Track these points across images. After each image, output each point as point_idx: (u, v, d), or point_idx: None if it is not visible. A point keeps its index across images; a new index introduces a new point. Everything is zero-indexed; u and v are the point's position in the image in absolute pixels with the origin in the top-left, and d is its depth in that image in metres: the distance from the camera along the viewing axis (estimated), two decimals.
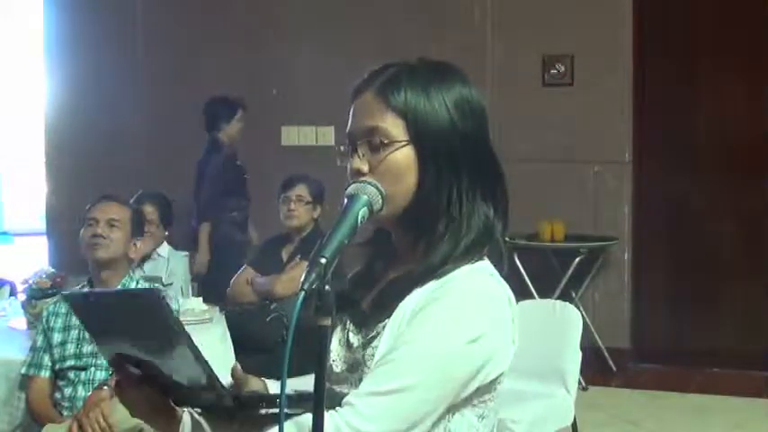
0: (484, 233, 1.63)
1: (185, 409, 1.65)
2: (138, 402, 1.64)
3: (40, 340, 3.63)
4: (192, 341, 1.53)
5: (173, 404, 1.64)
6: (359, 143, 1.62)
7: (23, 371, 3.66)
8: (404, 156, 1.60)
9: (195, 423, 1.65)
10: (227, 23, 7.20)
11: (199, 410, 1.66)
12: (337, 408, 1.50)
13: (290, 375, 1.49)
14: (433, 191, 1.61)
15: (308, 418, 1.45)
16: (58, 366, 3.57)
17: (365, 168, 1.61)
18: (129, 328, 1.58)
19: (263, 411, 1.55)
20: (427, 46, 6.30)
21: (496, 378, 1.60)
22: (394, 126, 1.60)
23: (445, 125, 1.61)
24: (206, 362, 1.54)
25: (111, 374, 3.36)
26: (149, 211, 4.98)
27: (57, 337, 3.58)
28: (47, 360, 3.60)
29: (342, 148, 1.67)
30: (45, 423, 3.52)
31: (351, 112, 1.66)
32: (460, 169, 1.61)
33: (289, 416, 1.48)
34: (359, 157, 1.62)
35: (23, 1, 10.95)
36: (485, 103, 1.69)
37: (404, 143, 1.60)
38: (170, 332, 1.52)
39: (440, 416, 1.56)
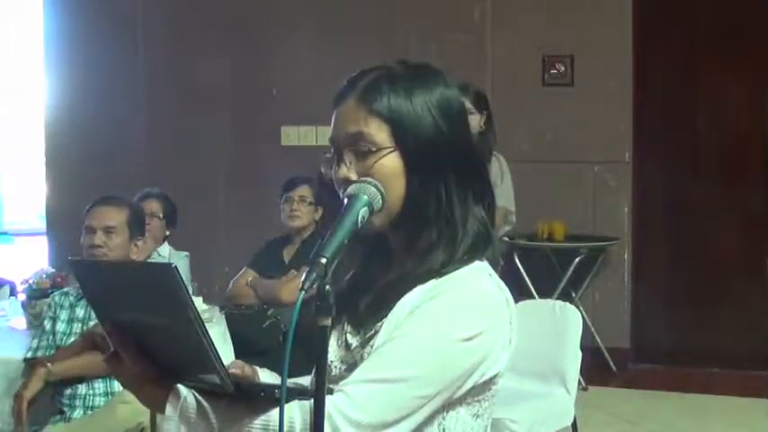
0: (481, 236, 1.64)
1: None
2: (131, 374, 1.59)
3: (48, 326, 3.59)
4: (201, 321, 1.49)
5: (168, 381, 1.59)
6: (344, 151, 1.62)
7: (30, 354, 3.57)
8: (391, 162, 1.59)
9: (189, 395, 1.60)
10: (227, 23, 7.20)
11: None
12: (329, 396, 1.48)
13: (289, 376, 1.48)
14: (422, 195, 1.60)
15: (308, 402, 1.45)
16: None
17: (353, 177, 1.60)
18: (137, 302, 1.54)
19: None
20: (427, 46, 6.30)
21: (492, 378, 1.60)
22: (379, 132, 1.60)
23: (430, 129, 1.60)
24: (213, 344, 1.51)
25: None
26: (154, 206, 4.96)
27: (60, 326, 3.56)
28: (52, 341, 3.57)
29: (328, 155, 1.66)
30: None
31: (332, 119, 1.66)
32: (448, 172, 1.61)
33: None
34: (345, 165, 1.61)
35: (23, 1, 10.95)
36: (464, 103, 1.68)
37: (390, 149, 1.59)
38: (180, 308, 1.48)
39: (435, 412, 1.56)
